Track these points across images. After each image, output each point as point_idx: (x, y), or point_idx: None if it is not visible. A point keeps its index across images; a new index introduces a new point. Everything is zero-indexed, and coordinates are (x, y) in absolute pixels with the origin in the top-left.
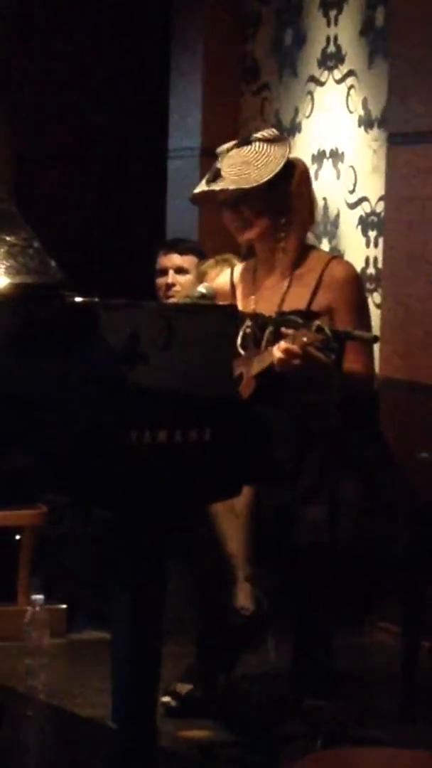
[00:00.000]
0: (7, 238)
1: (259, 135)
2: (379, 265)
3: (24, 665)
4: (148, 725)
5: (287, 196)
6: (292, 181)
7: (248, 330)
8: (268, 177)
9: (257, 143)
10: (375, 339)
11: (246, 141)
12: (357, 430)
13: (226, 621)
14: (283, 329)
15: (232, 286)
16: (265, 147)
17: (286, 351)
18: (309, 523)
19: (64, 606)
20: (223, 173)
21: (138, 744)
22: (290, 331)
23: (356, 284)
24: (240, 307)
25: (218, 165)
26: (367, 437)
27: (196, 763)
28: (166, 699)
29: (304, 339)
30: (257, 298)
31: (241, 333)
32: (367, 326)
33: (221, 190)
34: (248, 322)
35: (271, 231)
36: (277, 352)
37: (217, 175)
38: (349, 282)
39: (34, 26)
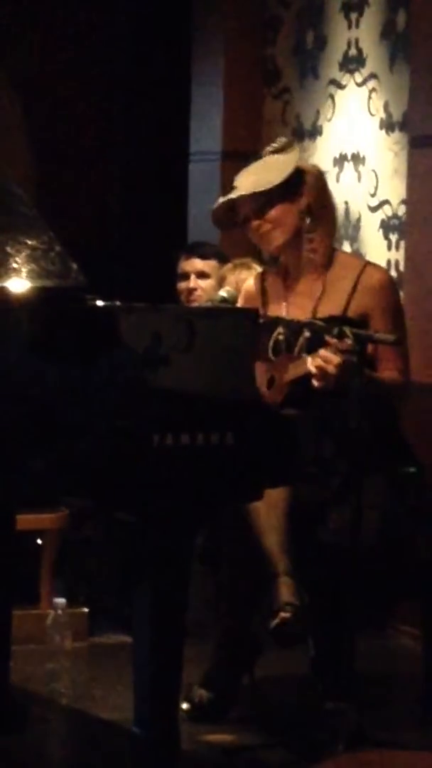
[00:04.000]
0: (29, 242)
1: (269, 148)
2: (401, 268)
3: (46, 668)
4: (171, 729)
5: (308, 199)
6: (309, 184)
7: (280, 336)
8: (282, 178)
9: (267, 156)
10: (397, 341)
11: (257, 157)
12: (378, 432)
13: (251, 617)
14: (327, 338)
15: (263, 291)
16: (275, 156)
17: (324, 357)
18: (334, 524)
19: (86, 609)
20: (237, 185)
21: (160, 747)
22: (333, 340)
23: (392, 290)
24: (270, 312)
25: (234, 184)
26: (389, 440)
27: (219, 767)
28: (185, 705)
29: (342, 347)
30: (288, 303)
31: (273, 338)
32: (403, 331)
33: (241, 202)
34: (280, 328)
35: (299, 233)
36: (313, 362)
37: (232, 189)
38: (385, 288)
39: (57, 28)
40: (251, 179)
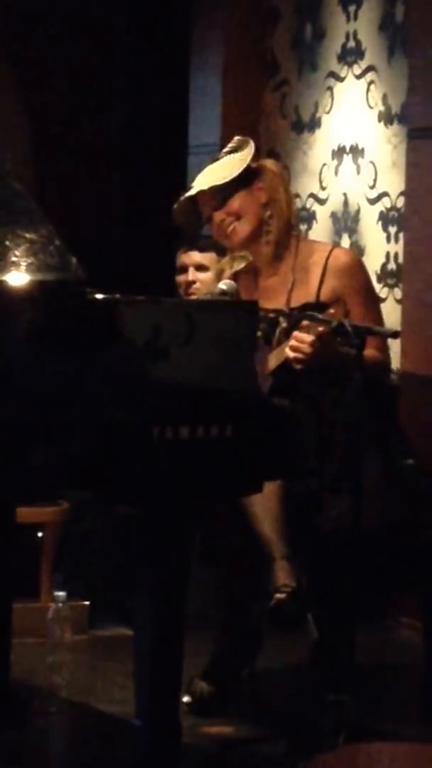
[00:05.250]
0: (28, 235)
1: (225, 149)
2: (400, 260)
3: (46, 661)
4: (172, 721)
5: (267, 192)
6: (267, 177)
7: (259, 332)
8: (238, 172)
9: (223, 156)
10: (395, 334)
11: (213, 159)
12: (377, 422)
13: (251, 609)
14: (304, 322)
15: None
16: (230, 156)
17: (297, 338)
18: (333, 511)
19: (87, 602)
20: (194, 185)
21: (161, 740)
22: (306, 322)
23: (361, 270)
24: None
25: (192, 184)
26: (388, 431)
27: (220, 759)
28: (186, 699)
29: (319, 329)
30: (261, 299)
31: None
32: (377, 311)
33: (202, 199)
34: (261, 325)
35: (260, 225)
36: (289, 346)
37: (190, 189)
38: (353, 269)
39: (55, 22)
40: (208, 178)
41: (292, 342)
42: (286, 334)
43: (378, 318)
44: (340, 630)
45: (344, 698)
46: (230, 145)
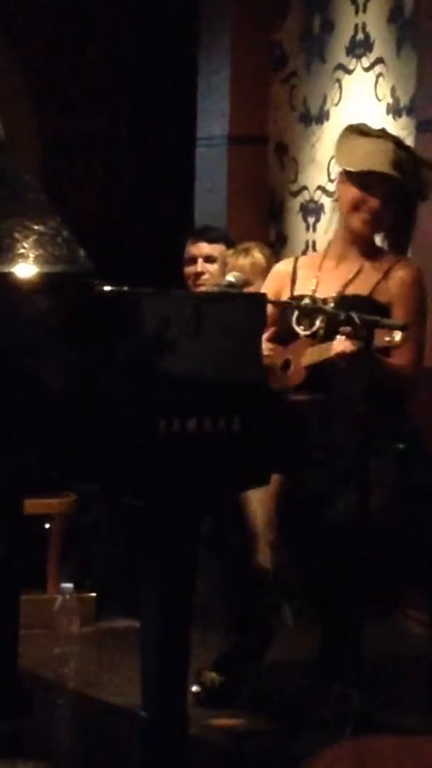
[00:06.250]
0: (36, 227)
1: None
2: (409, 253)
3: (53, 653)
4: (179, 713)
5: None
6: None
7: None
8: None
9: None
10: (404, 327)
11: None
12: (386, 415)
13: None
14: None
15: (294, 271)
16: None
17: (345, 346)
18: (342, 504)
19: (94, 594)
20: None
21: (168, 732)
22: (347, 329)
23: (417, 286)
24: (298, 289)
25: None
26: (397, 424)
27: (227, 751)
28: (195, 689)
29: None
30: (319, 280)
31: (293, 318)
32: (420, 328)
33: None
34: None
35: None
36: (338, 346)
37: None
38: (410, 282)
39: (64, 14)
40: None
41: (340, 348)
42: (326, 333)
43: (421, 334)
44: (347, 623)
45: (351, 691)
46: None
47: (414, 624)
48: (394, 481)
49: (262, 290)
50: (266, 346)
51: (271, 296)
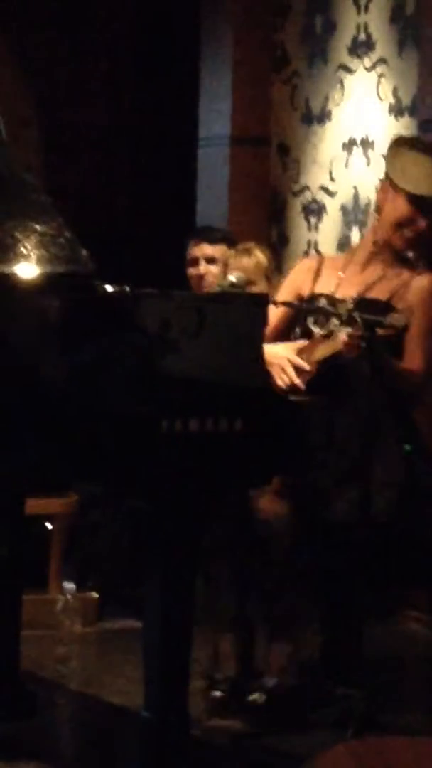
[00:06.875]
0: (38, 228)
1: None
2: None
3: (56, 653)
4: (181, 713)
5: None
6: None
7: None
8: None
9: None
10: (406, 327)
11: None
12: (393, 417)
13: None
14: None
15: (318, 269)
16: None
17: (351, 336)
18: (342, 505)
19: (96, 594)
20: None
21: (170, 732)
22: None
23: None
24: (318, 288)
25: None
26: (405, 425)
27: (229, 752)
28: (218, 694)
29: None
30: (340, 282)
31: (311, 320)
32: None
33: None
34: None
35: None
36: (345, 336)
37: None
38: (428, 292)
39: (65, 13)
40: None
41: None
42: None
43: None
44: (349, 623)
45: (353, 691)
46: None
47: (415, 624)
48: (401, 481)
49: (284, 284)
50: (297, 345)
51: (290, 291)
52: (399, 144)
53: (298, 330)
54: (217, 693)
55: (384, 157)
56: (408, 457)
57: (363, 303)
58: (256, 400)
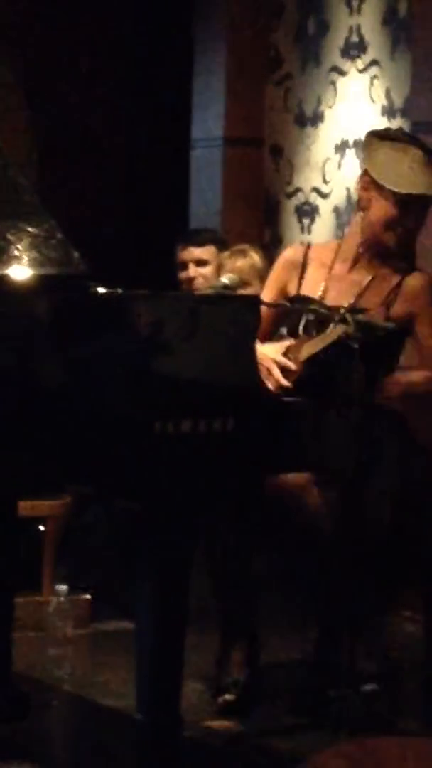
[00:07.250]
0: (30, 229)
1: None
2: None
3: (48, 655)
4: (173, 715)
5: None
6: None
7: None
8: None
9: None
10: (395, 329)
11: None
12: (388, 423)
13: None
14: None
15: (304, 263)
16: None
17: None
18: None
19: (89, 596)
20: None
21: (162, 734)
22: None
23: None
24: (303, 288)
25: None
26: (392, 427)
27: (221, 753)
28: (229, 697)
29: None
30: (327, 285)
31: (303, 319)
32: None
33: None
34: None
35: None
36: (339, 329)
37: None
38: (427, 290)
39: (60, 16)
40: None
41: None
42: (318, 327)
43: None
44: (343, 625)
45: (347, 692)
46: None
47: (410, 625)
48: (397, 487)
49: (269, 279)
50: (284, 344)
51: (277, 285)
52: (374, 137)
53: (284, 329)
54: (228, 697)
55: (361, 151)
56: (404, 458)
57: (357, 314)
58: (249, 402)
